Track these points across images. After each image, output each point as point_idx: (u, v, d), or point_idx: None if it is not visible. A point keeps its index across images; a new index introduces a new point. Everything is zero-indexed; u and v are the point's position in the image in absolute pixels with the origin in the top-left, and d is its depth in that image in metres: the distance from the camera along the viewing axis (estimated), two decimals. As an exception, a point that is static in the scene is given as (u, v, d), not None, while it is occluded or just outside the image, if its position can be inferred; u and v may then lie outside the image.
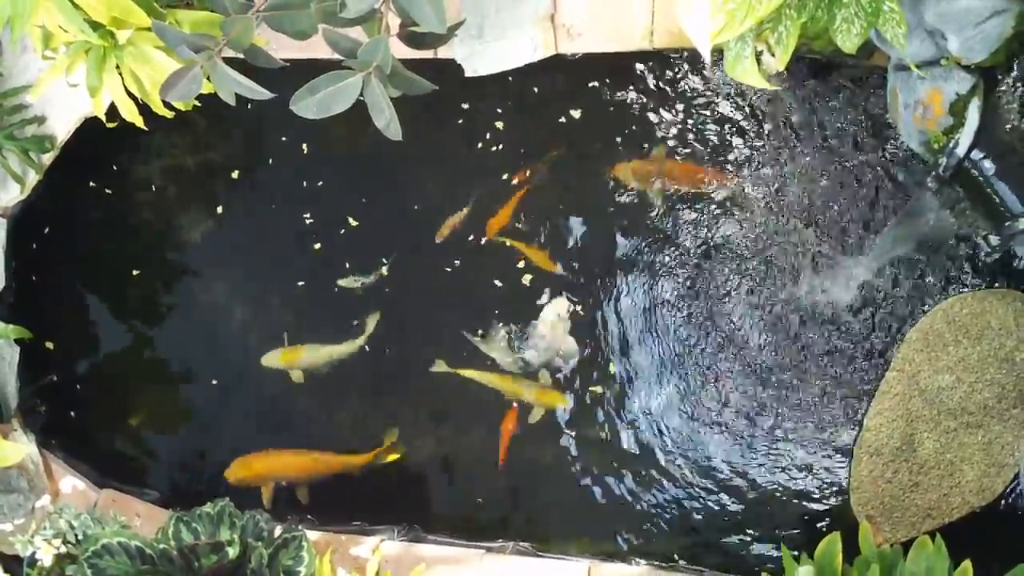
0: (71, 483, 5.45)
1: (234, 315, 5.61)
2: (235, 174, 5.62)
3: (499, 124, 5.32)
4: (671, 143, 5.13)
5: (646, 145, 5.16)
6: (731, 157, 5.05)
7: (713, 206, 5.08)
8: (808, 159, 4.95)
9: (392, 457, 5.39)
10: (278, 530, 4.22)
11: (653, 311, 5.16)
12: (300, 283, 5.54)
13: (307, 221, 5.50)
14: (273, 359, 5.46)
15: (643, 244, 5.16)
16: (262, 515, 4.23)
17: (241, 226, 5.62)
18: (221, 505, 4.22)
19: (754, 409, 5.02)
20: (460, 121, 5.36)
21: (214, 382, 5.59)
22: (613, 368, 5.19)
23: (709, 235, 5.09)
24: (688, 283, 5.12)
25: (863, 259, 4.90)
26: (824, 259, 4.94)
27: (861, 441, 4.86)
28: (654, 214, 5.15)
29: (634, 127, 5.17)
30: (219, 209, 5.63)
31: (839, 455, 4.93)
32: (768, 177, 5.00)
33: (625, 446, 5.18)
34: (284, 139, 5.52)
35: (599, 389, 5.21)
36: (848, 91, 4.89)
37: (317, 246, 5.49)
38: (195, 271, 5.69)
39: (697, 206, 5.11)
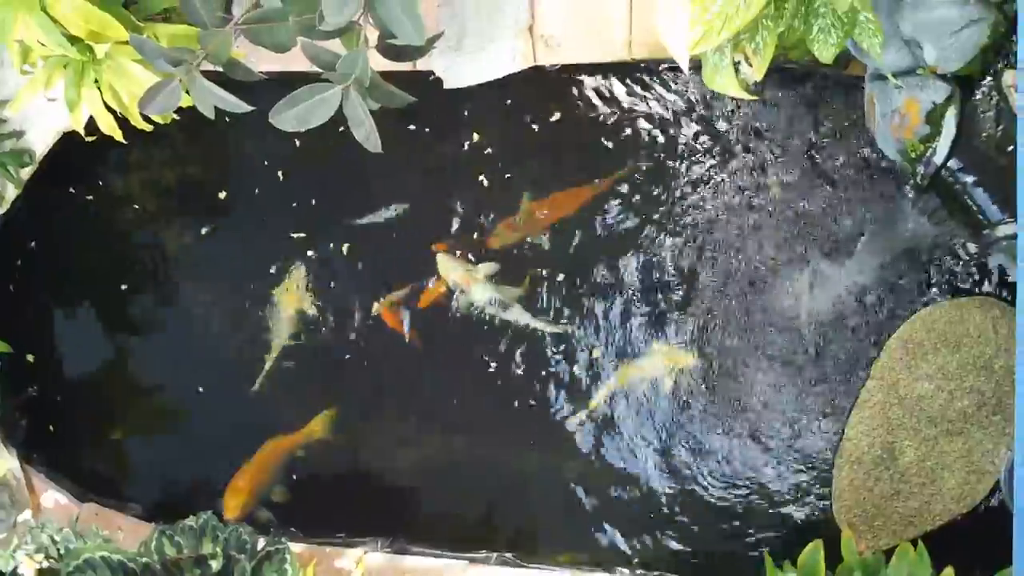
0: (53, 497, 5.43)
1: (216, 327, 5.59)
2: (214, 186, 5.60)
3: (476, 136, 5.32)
4: (647, 153, 5.14)
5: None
6: (707, 167, 5.06)
7: (687, 215, 5.08)
8: (785, 168, 4.96)
9: (322, 429, 5.46)
10: (261, 542, 4.21)
11: (629, 320, 5.17)
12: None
13: (290, 233, 5.49)
14: None
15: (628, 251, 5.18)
16: (245, 528, 4.22)
17: (222, 238, 5.60)
18: (204, 518, 4.21)
19: (734, 420, 5.03)
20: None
21: (198, 392, 5.57)
22: (596, 403, 5.21)
23: (682, 245, 5.09)
24: (672, 293, 5.13)
25: (841, 269, 4.90)
26: (802, 269, 4.94)
27: (842, 450, 4.86)
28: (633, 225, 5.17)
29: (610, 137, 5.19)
30: (199, 221, 5.61)
31: (821, 464, 4.93)
32: (745, 187, 5.00)
33: (609, 458, 5.17)
34: (263, 151, 5.50)
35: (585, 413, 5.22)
36: (825, 101, 4.90)
37: (305, 254, 5.49)
38: (176, 284, 5.67)
39: (669, 216, 5.11)
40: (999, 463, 4.70)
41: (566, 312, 5.23)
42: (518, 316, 5.26)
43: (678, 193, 5.08)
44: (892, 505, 4.80)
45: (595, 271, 5.18)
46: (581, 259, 5.21)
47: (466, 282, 5.26)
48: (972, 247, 4.68)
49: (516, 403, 5.26)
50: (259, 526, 5.25)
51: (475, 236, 5.29)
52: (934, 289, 4.82)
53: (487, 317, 5.27)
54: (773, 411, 4.99)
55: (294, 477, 5.47)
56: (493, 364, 5.28)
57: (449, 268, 5.28)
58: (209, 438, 5.60)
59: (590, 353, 5.20)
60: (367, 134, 3.07)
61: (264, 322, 5.53)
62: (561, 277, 5.22)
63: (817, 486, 4.95)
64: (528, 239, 5.22)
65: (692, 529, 5.07)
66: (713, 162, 5.04)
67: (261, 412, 5.52)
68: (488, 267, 5.27)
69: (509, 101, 5.20)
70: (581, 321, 5.21)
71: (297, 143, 5.36)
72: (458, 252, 5.28)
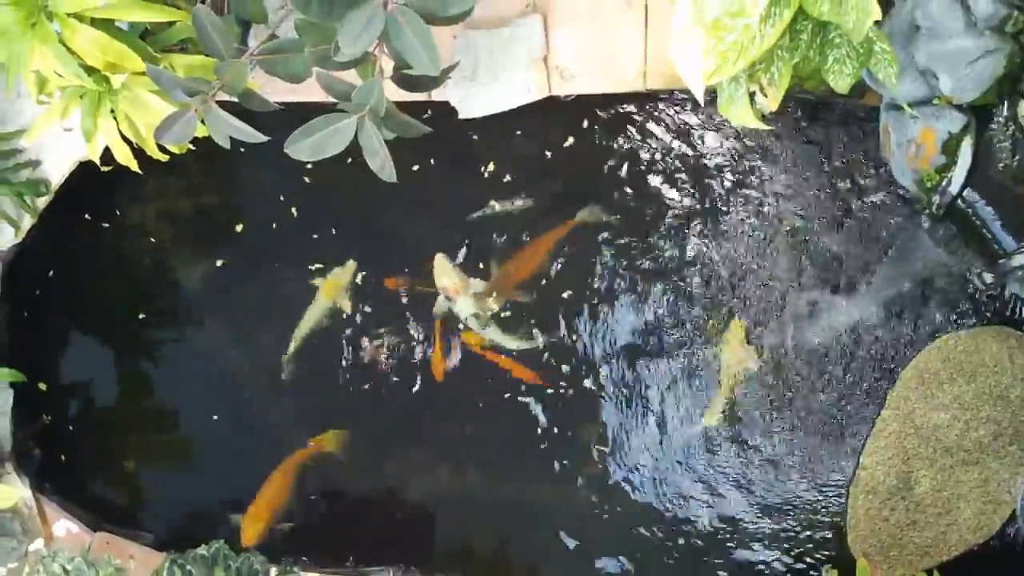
0: (65, 526, 5.41)
1: (229, 355, 5.59)
2: (230, 216, 5.61)
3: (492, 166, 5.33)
4: (662, 180, 5.14)
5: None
6: (723, 195, 5.05)
7: (701, 242, 5.07)
8: (801, 198, 4.95)
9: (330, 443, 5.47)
10: (273, 571, 4.19)
11: (635, 353, 5.17)
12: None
13: (305, 263, 5.49)
14: None
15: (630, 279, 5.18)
16: (256, 556, 4.21)
17: (236, 268, 5.60)
18: (216, 547, 4.19)
19: (750, 449, 5.00)
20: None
21: (211, 421, 5.56)
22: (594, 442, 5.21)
23: (697, 275, 5.08)
24: (679, 319, 5.11)
25: (857, 298, 4.89)
26: (818, 299, 4.93)
27: (858, 479, 4.84)
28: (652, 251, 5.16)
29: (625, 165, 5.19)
30: (214, 252, 5.62)
31: (836, 494, 4.91)
32: (762, 216, 4.99)
33: (617, 487, 5.16)
34: (277, 181, 5.51)
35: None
36: (841, 131, 4.90)
37: (316, 282, 5.48)
38: (189, 313, 5.68)
39: (681, 244, 5.11)
40: (1015, 493, 4.67)
41: (541, 335, 5.26)
42: (494, 335, 5.29)
43: (686, 222, 5.09)
44: (908, 535, 4.77)
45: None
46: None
47: (455, 291, 5.28)
48: (988, 276, 4.66)
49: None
50: (279, 541, 5.32)
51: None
52: (950, 319, 4.80)
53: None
54: (786, 441, 4.96)
55: (311, 497, 5.46)
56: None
57: (443, 272, 5.30)
58: (222, 467, 5.58)
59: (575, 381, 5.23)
60: (382, 164, 3.06)
61: (278, 349, 5.54)
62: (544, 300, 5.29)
63: (832, 516, 4.93)
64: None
65: (705, 559, 5.05)
66: (727, 192, 5.04)
67: (273, 438, 5.51)
68: (479, 284, 5.29)
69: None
70: (558, 346, 5.25)
71: (307, 179, 5.41)
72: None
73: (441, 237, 5.37)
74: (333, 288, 5.45)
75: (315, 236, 5.49)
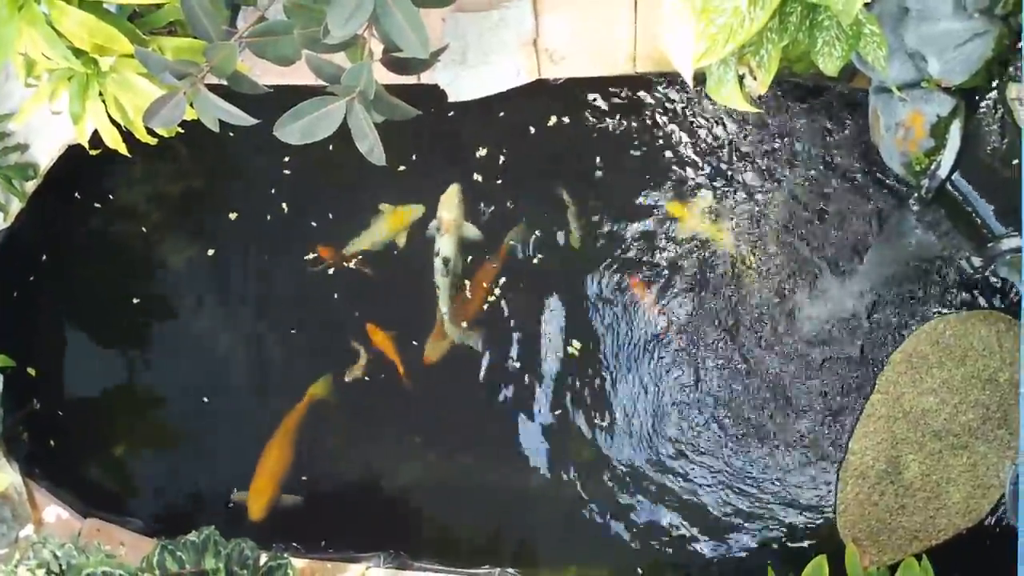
0: (55, 512, 5.41)
1: (219, 338, 5.60)
2: (220, 200, 5.61)
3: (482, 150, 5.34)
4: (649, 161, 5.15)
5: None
6: (711, 180, 5.06)
7: (694, 232, 5.09)
8: (789, 182, 4.96)
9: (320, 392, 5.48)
10: (263, 558, 4.20)
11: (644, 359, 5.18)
12: (291, 309, 5.56)
13: (295, 247, 5.50)
14: None
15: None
16: (247, 543, 4.21)
17: (226, 252, 5.61)
18: (206, 533, 4.20)
19: (738, 433, 5.02)
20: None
21: (202, 403, 5.56)
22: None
23: (686, 264, 5.09)
24: (676, 309, 5.13)
25: (845, 282, 4.91)
26: (805, 283, 4.94)
27: (847, 464, 4.86)
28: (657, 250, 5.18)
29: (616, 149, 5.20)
30: (204, 235, 5.62)
31: (825, 478, 4.93)
32: (749, 200, 5.01)
33: (611, 469, 5.17)
34: (266, 164, 5.51)
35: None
36: (829, 113, 4.91)
37: (308, 268, 5.49)
38: (179, 297, 5.67)
39: (677, 234, 5.12)
40: (1004, 477, 4.70)
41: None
42: (442, 294, 5.35)
43: (670, 203, 5.12)
44: (897, 519, 4.79)
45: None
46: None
47: (448, 227, 5.31)
48: (976, 260, 4.68)
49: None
50: (285, 515, 5.38)
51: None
52: (938, 303, 4.82)
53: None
54: (775, 425, 4.98)
55: (303, 478, 5.48)
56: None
57: (450, 203, 5.34)
58: (214, 448, 5.59)
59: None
60: (371, 147, 3.07)
61: (269, 328, 5.58)
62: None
63: (821, 500, 4.95)
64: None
65: (696, 544, 5.07)
66: (714, 177, 5.06)
67: (266, 418, 5.52)
68: (472, 231, 5.33)
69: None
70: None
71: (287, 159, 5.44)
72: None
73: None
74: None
75: (306, 219, 5.51)
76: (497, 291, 5.31)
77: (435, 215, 5.35)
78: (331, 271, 5.44)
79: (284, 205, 5.51)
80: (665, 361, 5.14)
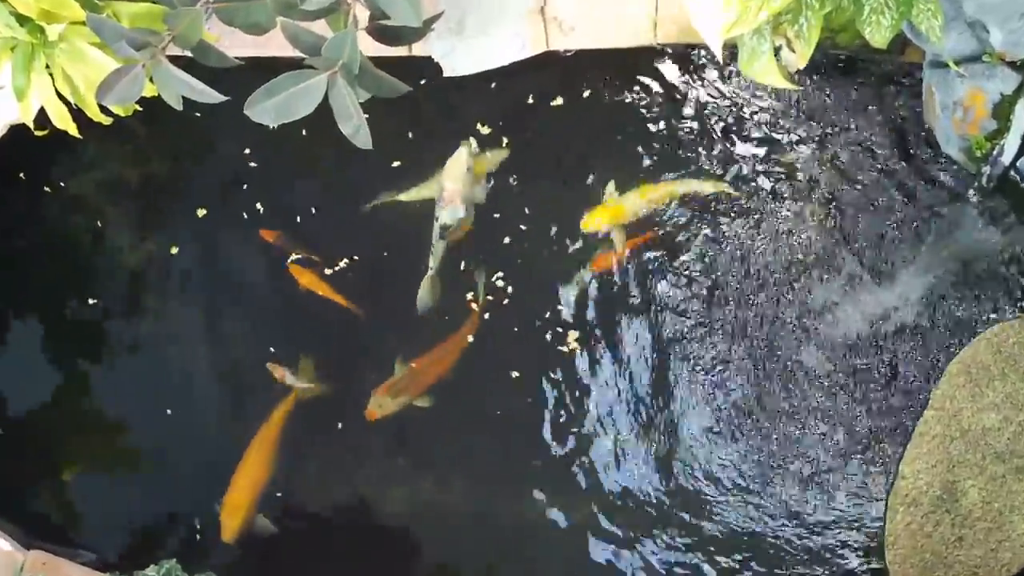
0: (-7, 543, 5.43)
1: (180, 345, 5.61)
2: (181, 187, 5.62)
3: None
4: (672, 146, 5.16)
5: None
6: (744, 167, 5.07)
7: (723, 224, 5.10)
8: (832, 170, 4.97)
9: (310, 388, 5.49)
10: (232, 593, 4.21)
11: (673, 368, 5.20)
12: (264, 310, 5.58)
13: (259, 240, 5.52)
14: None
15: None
16: (211, 576, 4.22)
17: (192, 249, 5.61)
18: (167, 567, 4.20)
19: (773, 455, 5.03)
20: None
21: (164, 417, 5.56)
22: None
23: (719, 257, 5.10)
24: (707, 313, 5.14)
25: (895, 283, 4.91)
26: (851, 284, 4.95)
27: (896, 490, 4.86)
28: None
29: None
30: (162, 228, 5.63)
31: (872, 506, 4.93)
32: (787, 192, 5.01)
33: (638, 503, 5.18)
34: (237, 147, 5.52)
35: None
36: (878, 92, 4.91)
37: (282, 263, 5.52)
38: (137, 298, 5.67)
39: (704, 226, 5.13)
40: (1076, 505, 4.70)
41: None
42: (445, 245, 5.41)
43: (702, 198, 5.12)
44: (954, 553, 4.80)
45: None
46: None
47: (451, 196, 5.37)
48: (1045, 257, 4.70)
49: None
50: (259, 540, 5.35)
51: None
52: (1001, 307, 4.82)
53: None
54: (813, 444, 4.98)
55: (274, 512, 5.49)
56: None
57: (456, 168, 5.38)
58: (177, 470, 5.59)
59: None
60: (356, 128, 3.07)
61: (235, 328, 5.62)
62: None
63: (867, 530, 4.95)
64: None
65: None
66: (747, 166, 5.06)
67: (239, 430, 5.52)
68: (481, 193, 5.41)
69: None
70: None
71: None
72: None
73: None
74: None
75: (275, 200, 5.54)
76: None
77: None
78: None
79: (254, 196, 5.51)
80: (686, 375, 5.15)
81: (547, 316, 5.30)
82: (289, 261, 5.44)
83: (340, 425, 5.42)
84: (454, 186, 5.34)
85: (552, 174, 5.36)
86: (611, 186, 5.23)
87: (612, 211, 5.23)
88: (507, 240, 5.36)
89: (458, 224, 5.35)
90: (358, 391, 5.37)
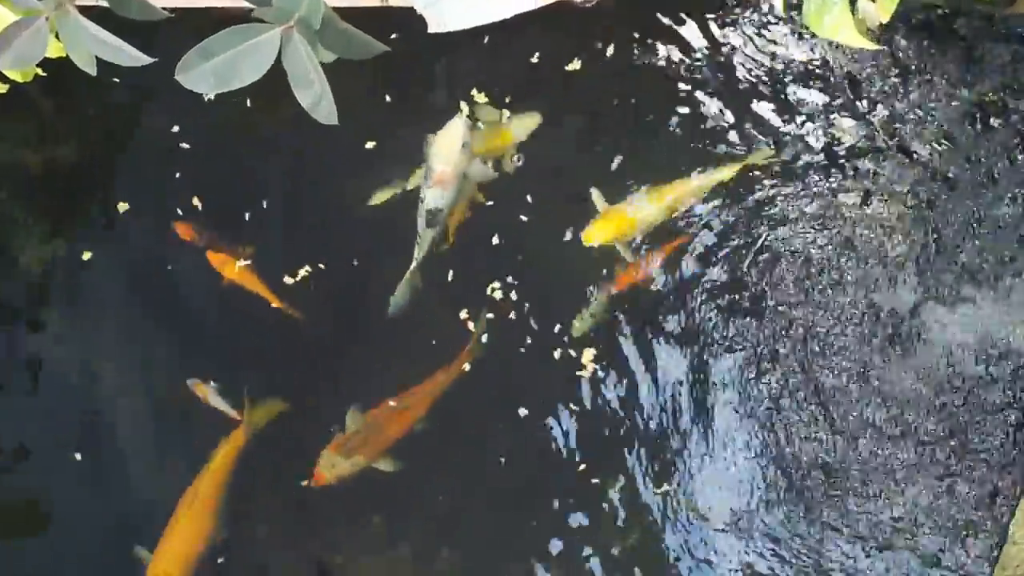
0: None
1: (87, 379, 5.60)
2: (96, 177, 5.62)
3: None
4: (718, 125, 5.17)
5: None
6: (810, 147, 5.08)
7: (789, 218, 5.10)
8: (920, 148, 4.97)
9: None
10: None
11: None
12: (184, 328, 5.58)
13: (184, 238, 5.52)
14: None
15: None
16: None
17: (108, 253, 5.61)
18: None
19: (846, 517, 5.02)
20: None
21: (72, 462, 5.56)
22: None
23: (776, 263, 5.12)
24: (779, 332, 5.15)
25: (1002, 291, 4.91)
26: (942, 292, 4.95)
27: (1006, 558, 4.84)
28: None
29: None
30: (75, 227, 5.62)
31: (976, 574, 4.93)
32: (862, 178, 5.02)
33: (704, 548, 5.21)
34: (165, 123, 5.52)
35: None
36: (979, 51, 4.91)
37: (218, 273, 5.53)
38: (34, 316, 5.68)
39: (764, 223, 5.14)
40: None
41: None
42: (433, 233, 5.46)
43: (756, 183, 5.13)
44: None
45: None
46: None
47: (441, 179, 5.44)
48: None
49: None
50: None
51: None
52: None
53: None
54: (899, 499, 4.98)
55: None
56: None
57: (447, 146, 5.45)
58: (87, 537, 5.58)
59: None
60: (317, 98, 3.03)
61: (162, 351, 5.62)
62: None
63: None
64: None
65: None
66: (816, 143, 5.07)
67: (171, 479, 5.52)
68: (479, 171, 5.50)
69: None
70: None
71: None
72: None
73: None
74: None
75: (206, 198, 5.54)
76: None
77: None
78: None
79: (188, 187, 5.52)
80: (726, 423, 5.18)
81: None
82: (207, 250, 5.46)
83: (297, 475, 5.43)
84: (444, 167, 5.36)
85: (566, 155, 5.36)
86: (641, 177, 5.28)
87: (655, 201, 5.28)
88: (506, 240, 5.37)
89: (448, 209, 5.37)
90: (322, 428, 5.40)
